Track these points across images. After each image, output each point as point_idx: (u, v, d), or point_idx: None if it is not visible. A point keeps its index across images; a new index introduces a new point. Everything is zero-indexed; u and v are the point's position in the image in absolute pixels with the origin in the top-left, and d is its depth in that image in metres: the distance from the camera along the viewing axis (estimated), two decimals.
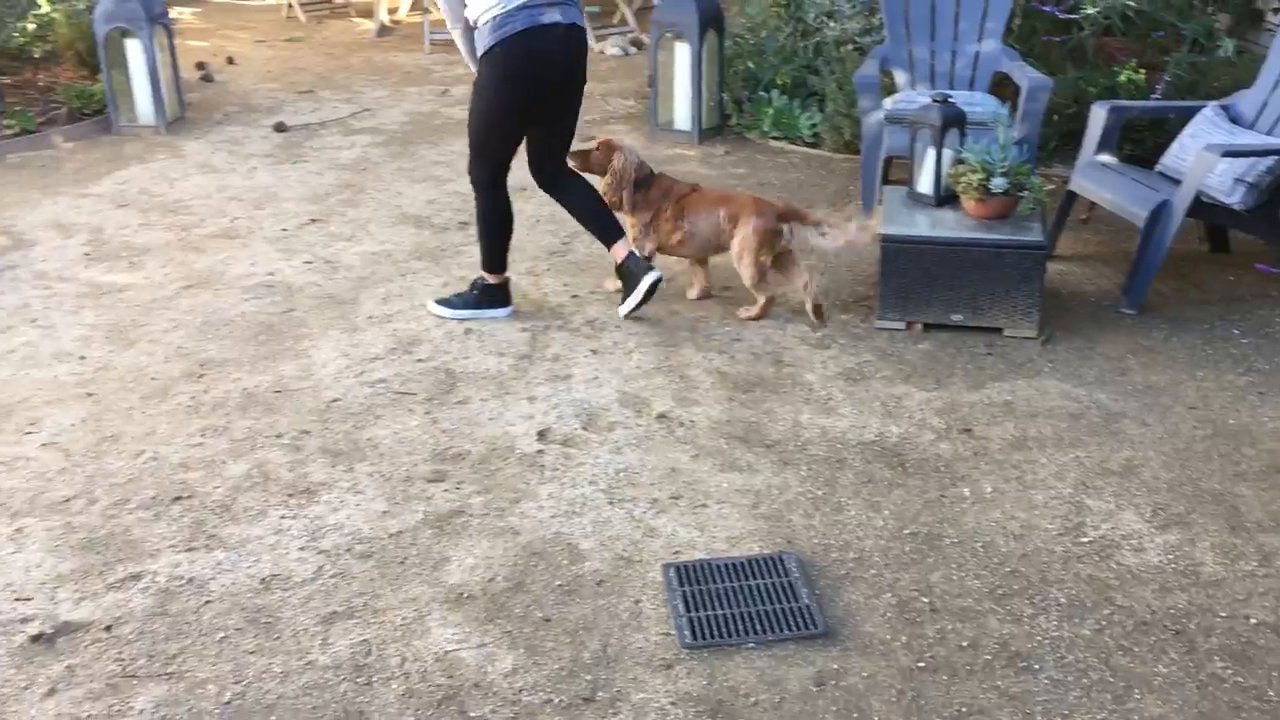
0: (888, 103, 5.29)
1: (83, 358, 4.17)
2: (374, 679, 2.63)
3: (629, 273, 4.39)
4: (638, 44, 9.31)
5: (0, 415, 3.76)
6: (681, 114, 6.73)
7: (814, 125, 6.52)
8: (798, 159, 6.44)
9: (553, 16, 4.03)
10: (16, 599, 2.87)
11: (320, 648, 2.73)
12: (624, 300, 4.43)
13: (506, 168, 4.32)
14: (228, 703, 2.55)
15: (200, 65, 8.49)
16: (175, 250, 5.20)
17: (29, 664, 2.66)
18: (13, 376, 4.03)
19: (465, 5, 4.08)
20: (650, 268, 4.40)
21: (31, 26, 7.64)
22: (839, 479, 3.39)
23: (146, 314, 4.54)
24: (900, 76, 5.65)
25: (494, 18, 3.99)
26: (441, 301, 4.52)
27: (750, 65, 6.93)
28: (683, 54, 6.58)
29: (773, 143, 6.67)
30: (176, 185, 6.09)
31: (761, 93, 6.79)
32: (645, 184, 4.54)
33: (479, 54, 4.11)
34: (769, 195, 5.85)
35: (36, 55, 7.78)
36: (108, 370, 4.08)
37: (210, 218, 5.62)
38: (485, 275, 4.49)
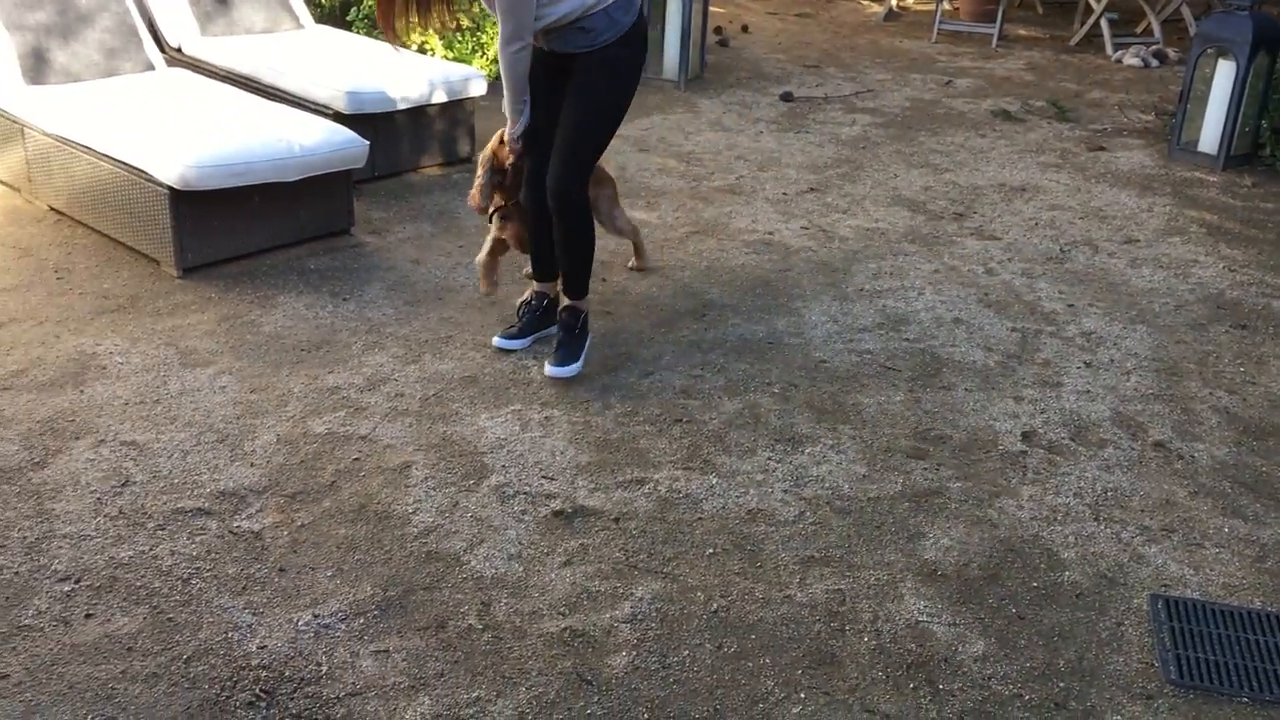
0: None
1: (604, 279, 4.61)
2: (846, 628, 2.75)
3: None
4: (1160, 56, 8.74)
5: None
6: (1209, 136, 6.27)
7: None
8: None
9: None
10: (544, 477, 3.27)
11: (798, 586, 2.88)
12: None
13: None
14: (714, 612, 2.77)
15: (717, 30, 9.00)
16: (686, 197, 5.60)
17: (551, 534, 3.03)
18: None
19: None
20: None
21: None
22: None
23: (659, 250, 4.93)
24: None
25: None
26: (559, 365, 3.77)
27: None
28: (1225, 72, 6.11)
29: None
30: (690, 138, 6.54)
31: None
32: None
33: (608, 40, 3.53)
34: None
35: None
36: (625, 295, 4.49)
37: (718, 172, 5.98)
38: (578, 304, 3.85)
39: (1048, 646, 2.71)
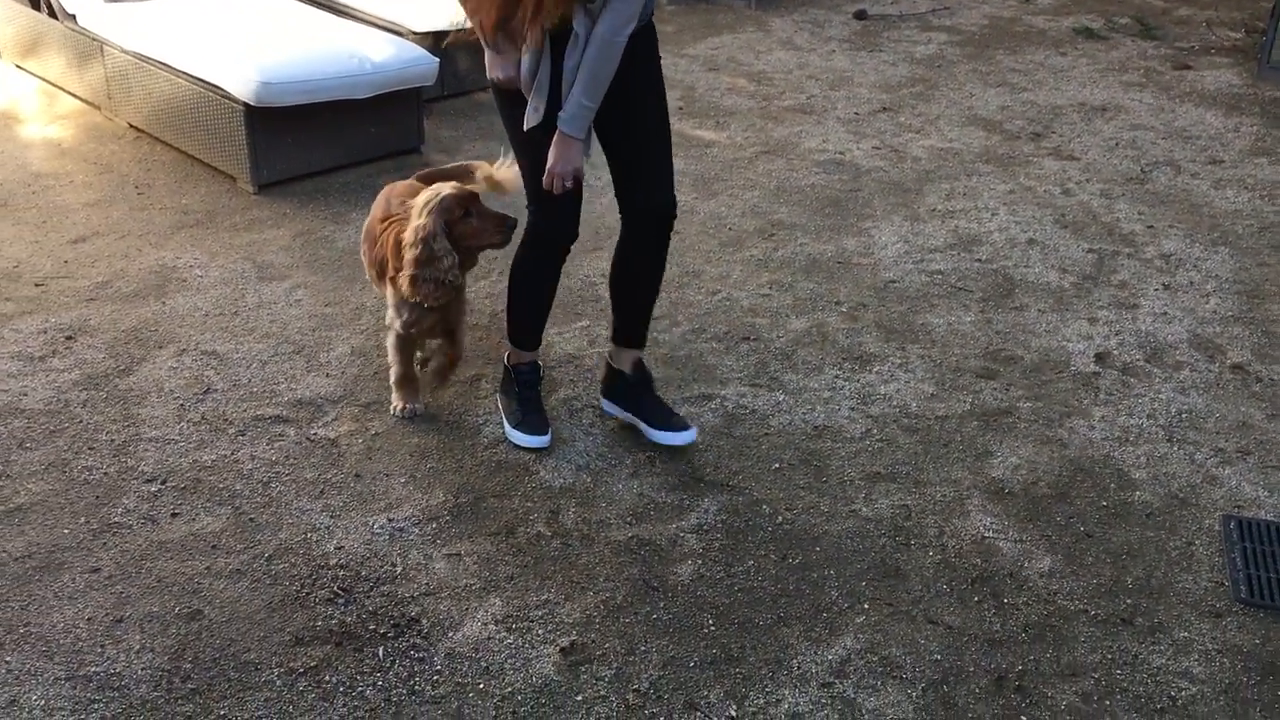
0: None
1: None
2: (911, 542, 2.76)
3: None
4: None
5: (603, 236, 4.25)
6: None
7: None
8: None
9: None
10: None
11: (864, 501, 2.90)
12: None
13: None
14: (779, 524, 2.80)
15: None
16: (756, 117, 5.53)
17: (618, 447, 3.06)
18: (614, 204, 4.51)
19: None
20: None
21: None
22: None
23: (728, 170, 4.90)
24: None
25: None
26: (683, 429, 3.03)
27: None
28: None
29: None
30: (761, 57, 6.44)
31: None
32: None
33: (651, 10, 2.78)
34: None
35: None
36: (692, 214, 4.47)
37: (789, 92, 5.89)
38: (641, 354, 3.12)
39: (1116, 564, 2.70)
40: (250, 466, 2.89)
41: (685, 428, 3.03)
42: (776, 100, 5.75)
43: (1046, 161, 5.08)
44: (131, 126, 4.93)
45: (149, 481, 2.82)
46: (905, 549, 2.74)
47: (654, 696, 2.28)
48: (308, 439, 3.01)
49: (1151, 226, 4.45)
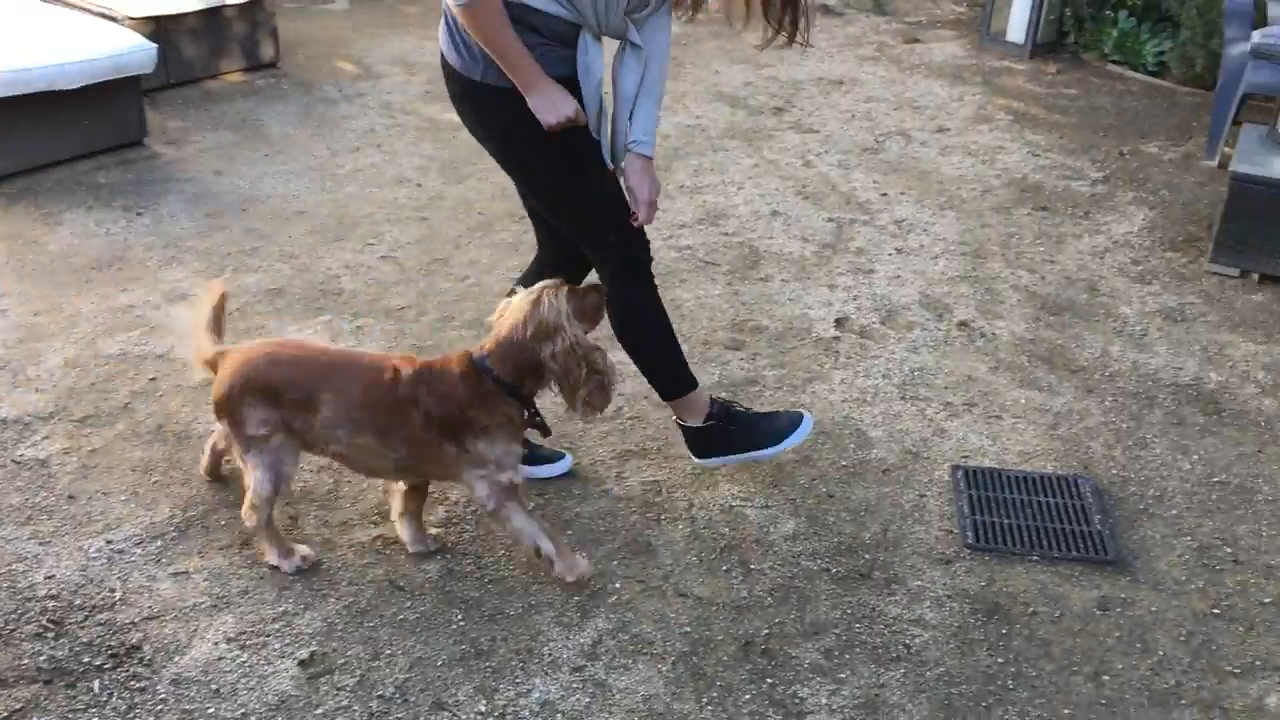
0: (1256, 35, 4.87)
1: (419, 185, 4.48)
2: (662, 517, 2.77)
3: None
4: None
5: (347, 226, 4.11)
6: (1016, 25, 6.42)
7: (1161, 53, 6.09)
8: (1137, 87, 6.04)
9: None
10: None
11: (615, 479, 2.89)
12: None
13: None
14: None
15: None
16: None
17: None
18: (359, 193, 4.38)
19: None
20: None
21: None
22: (1146, 416, 3.25)
23: (479, 154, 4.74)
24: (1275, 8, 5.17)
25: None
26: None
27: None
28: None
29: (1111, 67, 6.28)
30: None
31: (1107, 11, 6.38)
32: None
33: None
34: (1101, 124, 5.55)
35: None
36: (440, 199, 4.37)
37: None
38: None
39: (855, 521, 2.79)
40: None
41: (561, 456, 2.90)
42: None
43: (788, 135, 5.22)
44: None
45: None
46: (656, 524, 2.75)
47: (400, 700, 2.20)
48: (13, 461, 2.76)
49: (885, 194, 4.64)
